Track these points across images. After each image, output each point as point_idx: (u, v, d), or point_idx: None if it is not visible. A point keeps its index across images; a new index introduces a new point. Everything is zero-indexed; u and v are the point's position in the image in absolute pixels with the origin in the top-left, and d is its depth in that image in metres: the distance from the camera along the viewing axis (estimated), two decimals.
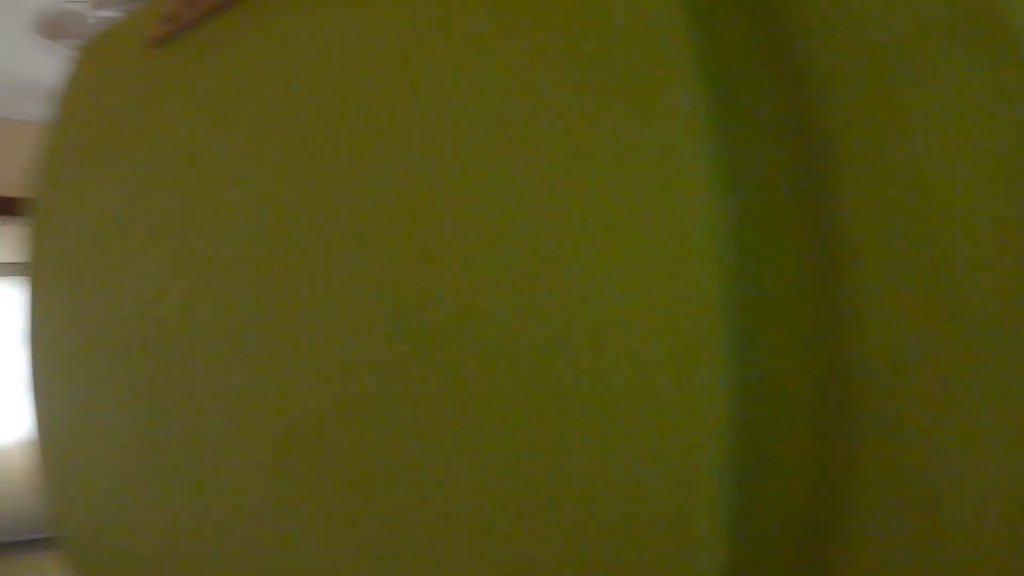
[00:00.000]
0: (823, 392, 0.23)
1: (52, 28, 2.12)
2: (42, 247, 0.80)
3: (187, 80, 0.61)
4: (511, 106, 0.31)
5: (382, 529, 0.35)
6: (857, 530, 0.22)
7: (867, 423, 0.23)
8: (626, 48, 0.26)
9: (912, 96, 0.24)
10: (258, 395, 0.45)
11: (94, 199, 0.72)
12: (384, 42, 0.41)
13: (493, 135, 0.30)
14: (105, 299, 0.67)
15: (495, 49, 0.34)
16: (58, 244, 0.76)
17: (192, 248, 0.54)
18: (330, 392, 0.38)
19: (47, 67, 2.66)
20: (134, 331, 0.59)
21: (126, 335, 0.61)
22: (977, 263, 0.21)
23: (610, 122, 0.25)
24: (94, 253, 0.69)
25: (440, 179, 0.33)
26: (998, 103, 0.21)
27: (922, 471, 0.25)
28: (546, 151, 0.28)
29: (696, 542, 0.20)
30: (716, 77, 0.25)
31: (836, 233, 0.24)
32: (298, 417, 0.41)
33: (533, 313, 0.26)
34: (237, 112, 0.54)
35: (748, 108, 0.26)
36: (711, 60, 0.25)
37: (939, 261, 0.22)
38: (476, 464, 0.28)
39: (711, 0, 0.27)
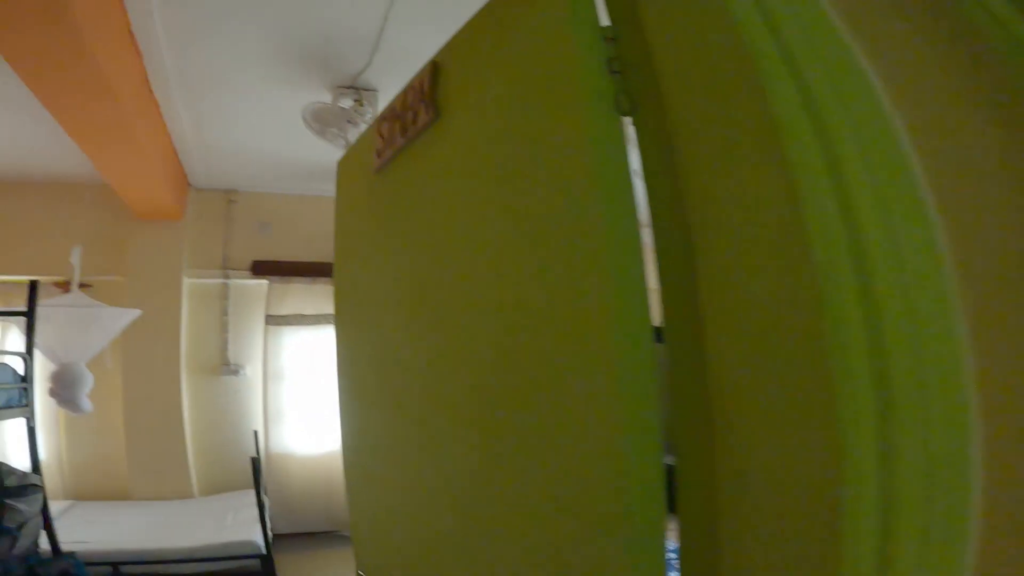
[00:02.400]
0: None
1: (312, 122, 2.53)
2: (339, 305, 1.27)
3: (389, 198, 1.04)
4: None
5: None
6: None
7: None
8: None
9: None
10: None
11: (359, 272, 1.17)
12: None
13: None
14: (370, 338, 1.09)
15: None
16: (345, 302, 1.23)
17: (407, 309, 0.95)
18: None
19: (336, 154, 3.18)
20: (384, 357, 1.03)
21: (380, 360, 1.04)
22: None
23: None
24: (363, 308, 1.13)
25: None
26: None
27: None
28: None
29: None
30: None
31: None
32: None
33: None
34: (409, 221, 0.96)
35: None
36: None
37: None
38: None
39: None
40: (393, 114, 1.01)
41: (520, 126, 0.64)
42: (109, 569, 2.59)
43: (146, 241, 3.85)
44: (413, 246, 0.92)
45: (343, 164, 1.33)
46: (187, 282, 3.96)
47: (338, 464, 4.08)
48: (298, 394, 4.09)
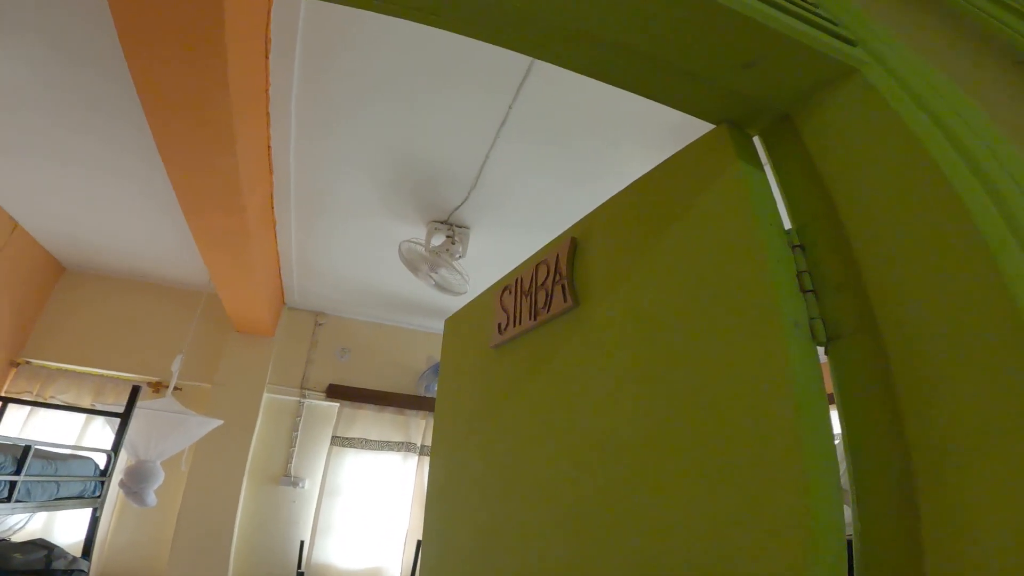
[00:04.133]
0: None
1: (407, 259, 2.71)
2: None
3: (507, 371, 1.01)
4: None
5: None
6: None
7: None
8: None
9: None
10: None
11: (464, 432, 1.15)
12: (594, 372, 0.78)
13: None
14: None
15: None
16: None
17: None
18: None
19: (420, 289, 3.56)
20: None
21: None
22: None
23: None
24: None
25: None
26: None
27: None
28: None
29: None
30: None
31: None
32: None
33: None
34: (533, 398, 0.93)
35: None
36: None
37: None
38: None
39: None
40: (519, 288, 1.01)
41: (687, 336, 0.61)
42: None
43: (239, 354, 4.06)
44: (543, 424, 0.87)
45: (451, 323, 1.35)
46: (266, 397, 4.07)
47: None
48: (350, 511, 4.06)
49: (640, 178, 0.83)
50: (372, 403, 4.21)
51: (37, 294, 3.84)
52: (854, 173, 0.55)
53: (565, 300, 0.84)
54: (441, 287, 3.04)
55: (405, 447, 4.19)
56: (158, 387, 3.94)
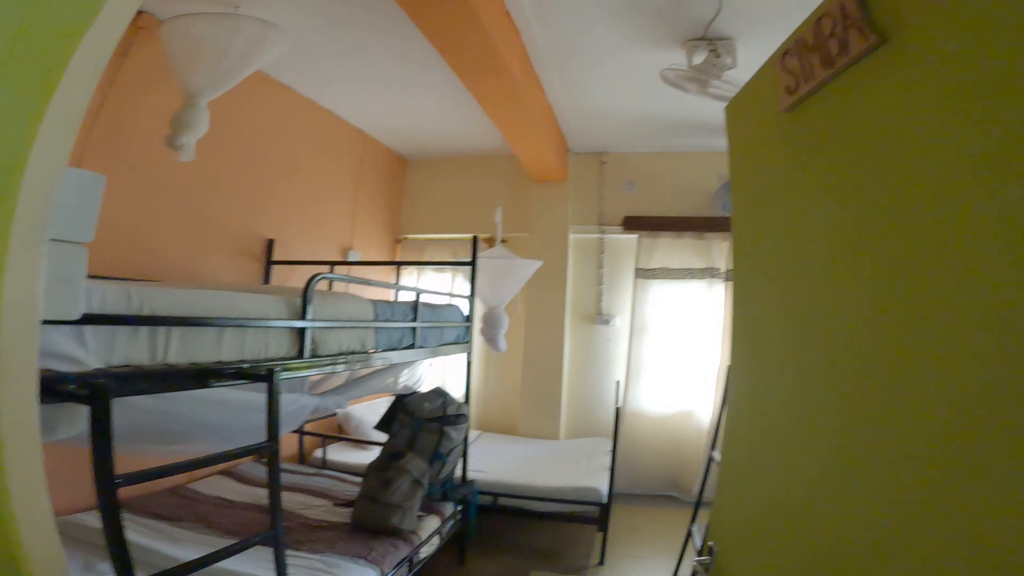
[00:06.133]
0: None
1: (675, 81, 2.75)
2: (740, 259, 1.22)
3: (809, 136, 0.91)
4: None
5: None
6: None
7: None
8: None
9: None
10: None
11: (768, 221, 1.09)
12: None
13: None
14: (778, 300, 1.03)
15: None
16: (748, 257, 1.18)
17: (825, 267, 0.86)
18: None
19: (693, 109, 3.44)
20: (806, 320, 0.92)
21: (799, 322, 0.95)
22: None
23: None
24: (770, 263, 1.06)
25: None
26: None
27: None
28: None
29: None
30: None
31: None
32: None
33: None
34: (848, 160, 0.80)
35: None
36: None
37: None
38: None
39: None
40: (803, 47, 0.88)
41: None
42: (490, 499, 3.07)
43: (542, 201, 4.58)
44: (861, 188, 0.78)
45: (732, 109, 1.25)
46: (571, 237, 4.54)
47: (684, 427, 4.03)
48: (658, 349, 4.24)
49: None
50: (669, 230, 4.25)
51: (395, 185, 4.95)
52: None
53: (865, 39, 0.71)
54: (718, 98, 2.78)
55: (709, 273, 4.14)
56: (491, 241, 4.77)
